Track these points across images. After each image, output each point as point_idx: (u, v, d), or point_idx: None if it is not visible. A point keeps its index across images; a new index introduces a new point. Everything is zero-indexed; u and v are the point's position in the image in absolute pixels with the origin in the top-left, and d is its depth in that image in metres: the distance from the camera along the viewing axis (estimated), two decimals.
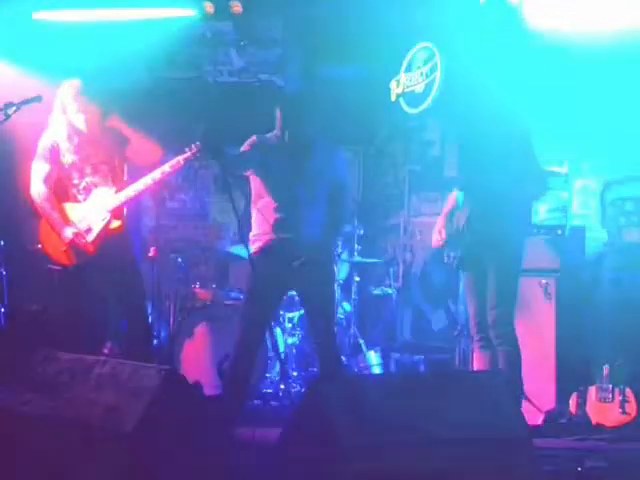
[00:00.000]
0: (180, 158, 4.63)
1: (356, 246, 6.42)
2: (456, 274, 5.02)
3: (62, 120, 4.65)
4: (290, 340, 5.96)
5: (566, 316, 5.25)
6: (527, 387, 4.66)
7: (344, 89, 6.76)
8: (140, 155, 4.73)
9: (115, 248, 4.66)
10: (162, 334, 5.81)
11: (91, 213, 4.66)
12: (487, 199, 4.40)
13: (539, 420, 5.02)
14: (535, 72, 5.42)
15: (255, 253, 4.50)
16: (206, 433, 3.45)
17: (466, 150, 4.65)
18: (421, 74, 6.01)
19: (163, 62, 6.60)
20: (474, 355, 4.75)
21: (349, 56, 6.57)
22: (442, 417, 3.21)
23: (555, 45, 5.38)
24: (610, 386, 4.84)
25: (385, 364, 6.28)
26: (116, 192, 4.67)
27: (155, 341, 5.63)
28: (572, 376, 5.07)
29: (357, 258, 6.43)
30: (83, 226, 4.65)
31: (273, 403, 5.65)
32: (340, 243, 6.19)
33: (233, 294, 6.11)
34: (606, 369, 4.88)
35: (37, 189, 4.67)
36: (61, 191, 4.72)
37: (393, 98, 6.29)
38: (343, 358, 5.42)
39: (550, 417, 5.06)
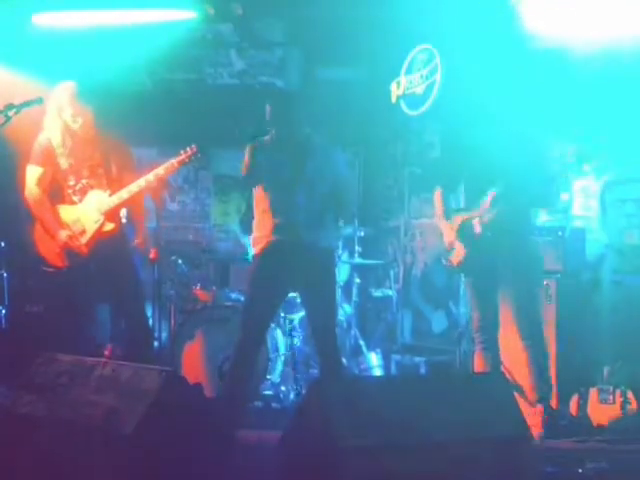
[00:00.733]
0: (174, 161, 4.64)
1: (357, 248, 6.41)
2: (457, 276, 5.03)
3: (57, 122, 4.65)
4: (291, 342, 5.95)
5: (567, 317, 5.24)
6: (524, 384, 4.67)
7: (344, 91, 6.77)
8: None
9: (110, 250, 4.66)
10: (163, 336, 5.80)
11: (85, 215, 4.67)
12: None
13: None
14: (535, 74, 5.42)
15: (256, 255, 4.50)
16: (206, 435, 3.44)
17: (466, 152, 4.65)
18: (421, 76, 6.03)
19: (163, 64, 6.62)
20: (475, 356, 4.75)
21: (349, 58, 6.58)
22: (442, 418, 3.21)
23: (554, 47, 5.38)
24: (611, 387, 4.84)
25: (386, 366, 6.28)
26: (110, 195, 4.67)
27: (156, 343, 5.63)
28: (573, 377, 5.07)
29: (358, 260, 6.43)
30: (77, 228, 4.66)
31: (274, 405, 5.64)
32: (341, 245, 6.20)
33: (234, 296, 6.11)
34: (607, 370, 4.87)
35: (30, 191, 4.68)
36: (57, 193, 4.73)
37: (393, 100, 6.30)
38: (344, 360, 5.42)
39: (551, 418, 5.05)
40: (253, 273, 4.55)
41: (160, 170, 4.63)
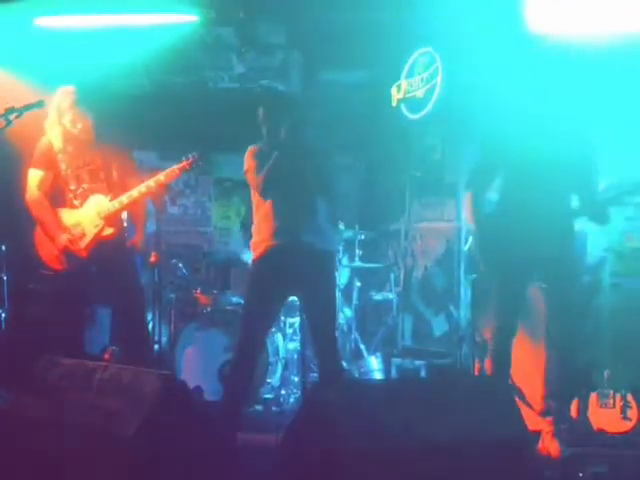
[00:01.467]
0: (175, 168, 4.66)
1: (357, 251, 6.41)
2: (458, 279, 5.01)
3: (57, 127, 4.67)
4: (291, 345, 5.95)
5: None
6: (528, 392, 4.66)
7: (345, 94, 6.77)
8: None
9: (110, 253, 4.67)
10: (163, 339, 5.80)
11: (85, 219, 4.68)
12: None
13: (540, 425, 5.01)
14: (536, 76, 5.41)
15: (255, 260, 4.50)
16: (206, 438, 3.45)
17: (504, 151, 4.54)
18: (422, 79, 6.03)
19: (164, 67, 6.62)
20: (485, 361, 4.69)
21: (350, 61, 6.58)
22: (442, 421, 3.21)
23: (557, 49, 5.37)
24: (611, 391, 4.83)
25: (386, 369, 6.27)
26: (110, 199, 4.69)
27: (156, 346, 5.63)
28: (573, 381, 5.06)
29: (358, 263, 6.43)
30: (77, 232, 4.67)
31: (274, 408, 5.64)
32: (341, 248, 6.19)
33: (234, 299, 6.11)
34: (607, 374, 4.87)
35: (32, 195, 4.70)
36: (58, 196, 4.74)
37: (394, 103, 6.30)
38: (344, 363, 5.42)
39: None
40: (252, 278, 4.55)
41: (161, 176, 4.65)
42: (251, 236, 4.62)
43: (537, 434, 4.38)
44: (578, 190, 4.45)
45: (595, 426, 4.83)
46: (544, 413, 4.48)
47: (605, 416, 4.80)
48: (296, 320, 5.90)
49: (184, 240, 7.52)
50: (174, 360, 5.69)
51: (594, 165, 4.52)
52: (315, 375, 5.66)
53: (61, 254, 4.66)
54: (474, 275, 5.05)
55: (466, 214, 4.73)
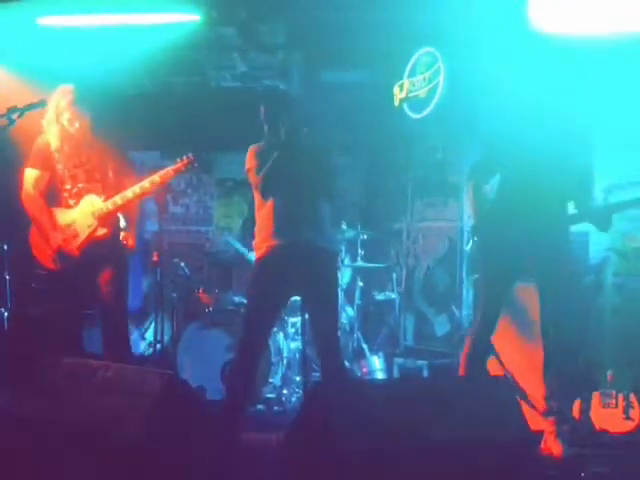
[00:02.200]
0: (170, 169, 4.66)
1: (359, 251, 6.42)
2: (460, 278, 5.01)
3: (55, 126, 4.66)
4: (293, 345, 5.95)
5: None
6: (529, 392, 4.65)
7: (347, 94, 6.77)
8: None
9: (103, 252, 4.66)
10: (165, 339, 5.81)
11: (79, 219, 4.67)
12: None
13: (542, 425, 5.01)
14: (537, 75, 5.41)
15: (259, 259, 4.50)
16: (208, 438, 3.45)
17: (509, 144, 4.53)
18: (424, 79, 6.03)
19: (166, 67, 6.62)
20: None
21: (352, 61, 6.59)
22: (444, 422, 3.21)
23: (559, 49, 5.37)
24: (614, 392, 4.83)
25: (388, 369, 6.27)
26: (105, 200, 4.68)
27: (158, 345, 5.64)
28: (575, 381, 5.06)
29: (360, 263, 6.43)
30: (70, 231, 4.67)
31: (276, 408, 5.65)
32: (343, 248, 6.20)
33: (236, 299, 6.12)
34: (610, 374, 4.87)
35: (27, 194, 4.69)
36: (54, 196, 4.73)
37: (396, 103, 6.30)
38: (346, 363, 5.42)
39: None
40: (254, 279, 4.55)
41: (156, 177, 4.65)
42: (253, 237, 4.62)
43: (540, 434, 4.37)
44: (575, 191, 4.44)
45: (597, 426, 4.82)
46: (546, 413, 4.48)
47: (608, 416, 4.80)
48: (298, 319, 5.90)
49: (186, 239, 7.53)
50: (176, 359, 5.69)
51: (592, 167, 4.52)
52: (317, 375, 5.67)
53: (55, 253, 4.65)
54: (476, 275, 5.05)
55: (469, 205, 4.72)
